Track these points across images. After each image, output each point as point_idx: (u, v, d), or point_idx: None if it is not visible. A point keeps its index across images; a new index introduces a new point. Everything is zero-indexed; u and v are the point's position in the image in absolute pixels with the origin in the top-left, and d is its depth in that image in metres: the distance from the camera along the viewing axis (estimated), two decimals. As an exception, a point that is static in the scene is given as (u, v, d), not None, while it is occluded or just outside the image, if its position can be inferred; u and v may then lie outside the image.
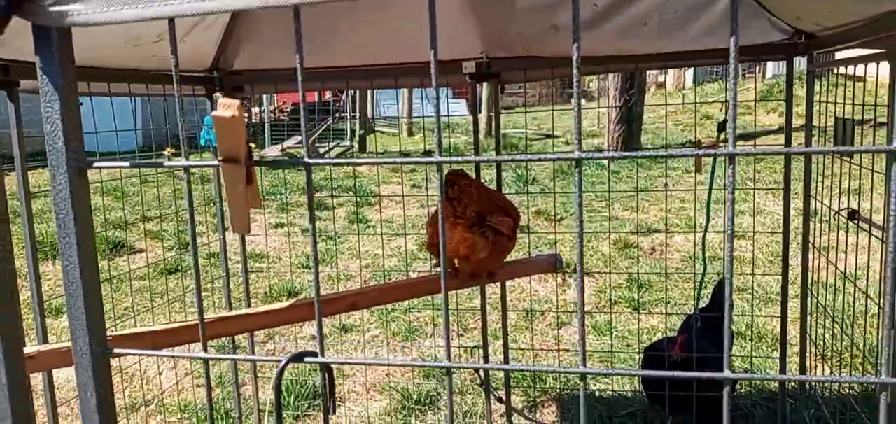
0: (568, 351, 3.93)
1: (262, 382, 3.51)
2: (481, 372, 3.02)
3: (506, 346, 2.91)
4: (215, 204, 2.96)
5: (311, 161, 0.58)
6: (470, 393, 3.55)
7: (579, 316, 0.63)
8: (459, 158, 0.68)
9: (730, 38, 0.53)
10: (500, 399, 3.04)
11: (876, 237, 2.08)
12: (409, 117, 18.13)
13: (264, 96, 14.18)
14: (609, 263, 5.55)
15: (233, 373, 3.12)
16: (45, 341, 2.19)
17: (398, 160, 0.68)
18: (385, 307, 4.50)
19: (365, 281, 5.47)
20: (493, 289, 3.40)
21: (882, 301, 1.70)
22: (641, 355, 3.07)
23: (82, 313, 0.62)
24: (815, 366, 3.24)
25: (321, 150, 13.45)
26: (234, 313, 2.10)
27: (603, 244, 6.19)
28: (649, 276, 5.16)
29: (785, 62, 2.42)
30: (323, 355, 0.63)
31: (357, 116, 15.73)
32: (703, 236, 2.86)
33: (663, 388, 2.80)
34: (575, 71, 0.58)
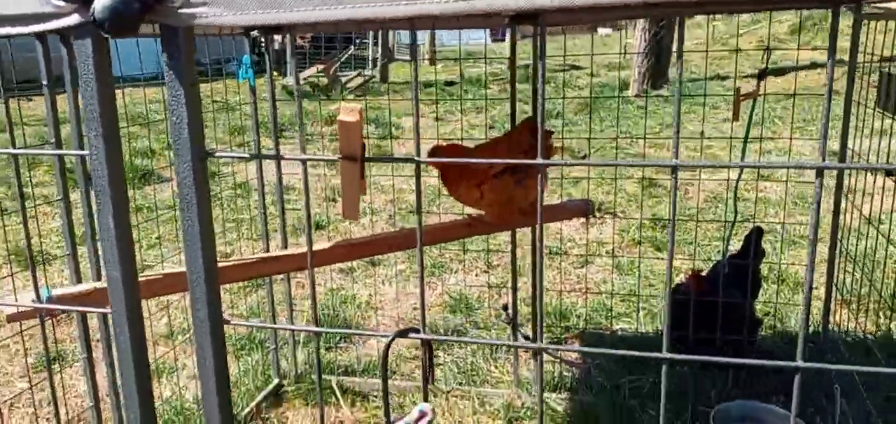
0: (592, 291, 4.00)
1: (296, 314, 3.62)
2: (509, 310, 3.10)
3: (534, 283, 2.97)
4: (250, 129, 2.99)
5: (420, 159, 0.61)
6: (495, 328, 3.64)
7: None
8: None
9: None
10: (526, 337, 3.12)
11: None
12: (432, 46, 17.89)
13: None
14: (638, 203, 5.56)
15: (269, 305, 3.23)
16: (77, 269, 2.27)
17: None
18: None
19: (391, 216, 5.55)
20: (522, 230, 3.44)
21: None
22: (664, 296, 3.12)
23: (204, 295, 0.67)
24: (837, 310, 3.28)
25: (343, 80, 13.39)
26: (271, 253, 2.17)
27: (628, 182, 6.18)
28: (678, 218, 5.17)
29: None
30: (424, 331, 0.68)
31: (378, 45, 15.56)
32: (736, 184, 2.86)
33: (686, 329, 2.85)
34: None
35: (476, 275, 4.38)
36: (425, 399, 0.72)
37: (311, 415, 2.97)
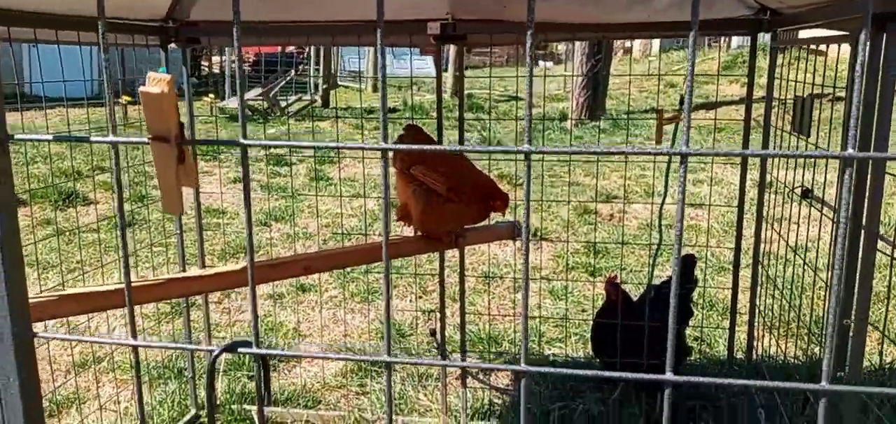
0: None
1: (216, 341, 3.46)
2: (437, 335, 3.03)
3: (462, 309, 2.92)
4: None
5: (246, 142, 0.54)
6: (427, 354, 3.57)
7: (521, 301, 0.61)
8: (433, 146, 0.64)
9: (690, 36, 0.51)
10: (433, 333, 3.06)
11: (827, 217, 2.12)
12: (374, 73, 17.86)
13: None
14: (567, 228, 5.60)
15: (186, 332, 3.07)
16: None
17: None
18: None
19: (324, 240, 5.42)
20: (452, 253, 3.39)
21: (828, 299, 1.75)
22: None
23: (3, 296, 0.58)
24: (762, 336, 3.34)
25: (283, 104, 13.19)
26: (184, 274, 2.05)
27: (562, 209, 6.23)
28: (606, 244, 5.23)
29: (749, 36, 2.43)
30: (258, 345, 0.60)
31: (320, 70, 15.43)
32: (660, 207, 2.89)
33: (614, 354, 2.84)
34: (528, 60, 0.55)
35: (409, 301, 4.30)
36: (261, 422, 0.64)
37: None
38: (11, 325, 0.59)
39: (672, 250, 2.99)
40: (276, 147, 0.62)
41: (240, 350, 0.61)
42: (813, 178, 2.39)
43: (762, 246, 2.89)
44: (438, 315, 2.98)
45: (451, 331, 3.51)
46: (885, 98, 1.33)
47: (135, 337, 0.65)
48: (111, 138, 0.56)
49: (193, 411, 3.01)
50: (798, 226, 3.51)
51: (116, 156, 0.57)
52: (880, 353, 3.46)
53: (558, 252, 5.15)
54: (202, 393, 3.08)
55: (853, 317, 1.57)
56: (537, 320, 3.83)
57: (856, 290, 1.57)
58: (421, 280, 4.39)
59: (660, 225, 2.97)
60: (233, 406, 3.07)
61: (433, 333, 3.44)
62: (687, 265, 3.03)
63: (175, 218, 2.95)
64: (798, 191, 2.22)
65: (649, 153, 0.56)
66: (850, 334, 1.60)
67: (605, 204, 6.57)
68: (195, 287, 2.06)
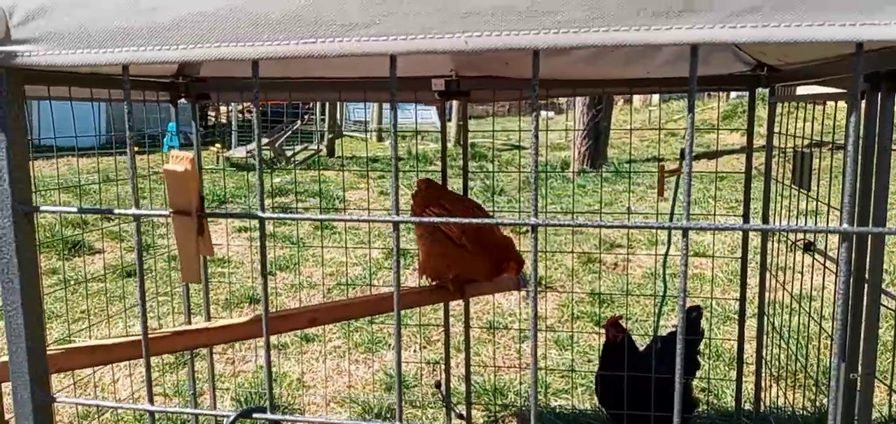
0: (529, 366, 3.96)
1: (220, 393, 3.45)
2: (442, 388, 3.02)
3: (468, 360, 2.91)
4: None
5: (264, 215, 0.56)
6: (432, 407, 3.54)
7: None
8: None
9: (687, 115, 0.54)
10: (460, 416, 3.04)
11: (830, 270, 2.13)
12: (379, 123, 18.07)
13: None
14: (572, 277, 5.60)
15: (190, 383, 3.06)
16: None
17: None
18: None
19: (328, 289, 5.42)
20: (456, 303, 3.40)
21: (830, 354, 1.75)
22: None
23: (24, 362, 0.59)
24: (770, 387, 3.31)
25: (289, 153, 13.31)
26: (189, 327, 2.06)
27: (567, 257, 6.24)
28: (611, 293, 5.22)
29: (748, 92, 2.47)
30: (272, 411, 0.62)
31: (326, 120, 15.62)
32: (664, 257, 2.90)
33: (621, 407, 2.83)
34: (534, 128, 0.58)
35: (414, 351, 4.28)
36: None
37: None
38: (31, 390, 0.61)
39: (677, 300, 2.99)
40: (286, 218, 0.64)
41: (255, 415, 0.62)
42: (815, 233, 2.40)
43: (767, 295, 2.89)
44: (443, 366, 2.97)
45: (456, 382, 3.49)
46: (882, 159, 1.35)
47: (152, 402, 0.66)
48: (134, 211, 0.58)
49: (196, 465, 2.99)
50: (802, 276, 3.52)
51: (138, 231, 0.59)
52: (889, 404, 3.43)
53: (563, 301, 5.14)
54: (205, 447, 3.06)
55: (860, 371, 1.58)
56: (543, 371, 3.80)
57: (861, 343, 1.58)
58: (425, 330, 4.38)
59: (664, 276, 2.97)
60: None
61: (438, 385, 3.42)
62: (692, 317, 3.03)
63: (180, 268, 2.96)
64: (801, 243, 2.24)
65: (652, 227, 0.59)
66: (857, 389, 1.59)
67: (609, 252, 6.58)
68: (202, 340, 2.07)
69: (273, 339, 4.13)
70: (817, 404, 3.44)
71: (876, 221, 1.43)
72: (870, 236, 1.41)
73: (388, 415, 3.46)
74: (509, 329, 4.59)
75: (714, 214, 6.90)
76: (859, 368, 1.58)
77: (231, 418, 0.63)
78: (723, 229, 0.58)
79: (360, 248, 6.60)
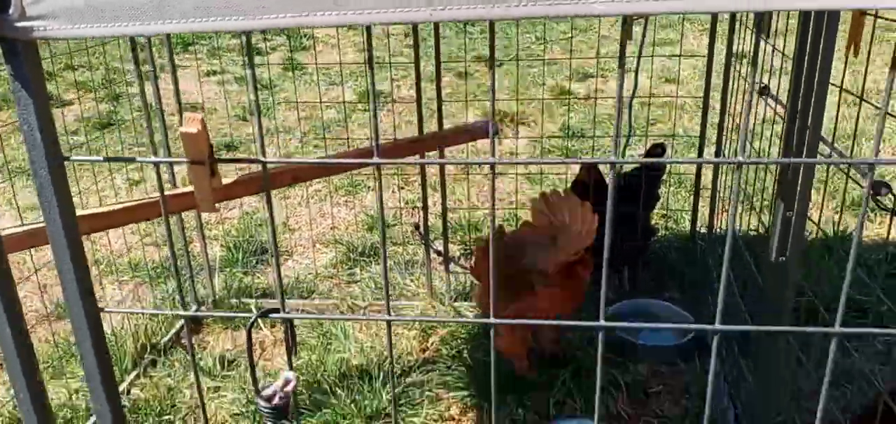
0: (502, 201, 4.17)
1: (209, 240, 3.62)
2: (421, 228, 3.21)
3: (444, 199, 3.08)
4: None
5: (266, 159, 0.65)
6: (411, 244, 3.77)
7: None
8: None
9: None
10: (437, 252, 3.26)
11: (779, 116, 2.27)
12: None
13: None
14: (549, 113, 5.71)
15: (180, 233, 3.21)
16: None
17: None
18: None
19: (303, 134, 5.49)
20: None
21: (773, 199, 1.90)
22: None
23: (74, 281, 0.71)
24: (722, 213, 3.56)
25: None
26: (180, 190, 2.17)
27: (538, 90, 6.32)
28: (582, 127, 5.37)
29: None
30: (285, 310, 0.74)
31: None
32: (631, 99, 3.02)
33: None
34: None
35: (392, 192, 4.46)
36: (290, 369, 0.80)
37: (232, 338, 3.04)
38: (82, 303, 0.73)
39: (643, 134, 3.13)
40: (287, 163, 0.72)
41: (271, 315, 0.75)
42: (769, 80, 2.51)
43: (728, 121, 3.05)
44: (421, 207, 3.15)
45: (434, 219, 3.69)
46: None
47: (185, 308, 0.79)
48: (154, 159, 0.67)
49: (194, 307, 3.21)
50: (756, 115, 3.68)
51: (159, 176, 0.67)
52: (815, 234, 3.73)
53: (535, 136, 5.29)
54: (202, 290, 3.27)
55: (795, 210, 1.76)
56: (514, 206, 4.02)
57: (798, 186, 1.74)
58: (402, 171, 4.53)
59: (630, 115, 3.10)
60: (231, 300, 3.28)
61: (417, 227, 3.62)
62: (657, 153, 3.19)
63: (157, 118, 2.93)
64: (758, 87, 2.36)
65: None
66: (792, 223, 1.79)
67: (582, 83, 6.66)
68: (189, 202, 2.18)
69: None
70: (765, 224, 3.72)
71: (820, 80, 1.55)
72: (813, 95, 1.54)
73: (372, 252, 3.68)
74: (482, 166, 4.76)
75: (682, 36, 6.93)
76: (795, 208, 1.76)
77: (252, 318, 0.76)
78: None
79: (333, 90, 6.60)
